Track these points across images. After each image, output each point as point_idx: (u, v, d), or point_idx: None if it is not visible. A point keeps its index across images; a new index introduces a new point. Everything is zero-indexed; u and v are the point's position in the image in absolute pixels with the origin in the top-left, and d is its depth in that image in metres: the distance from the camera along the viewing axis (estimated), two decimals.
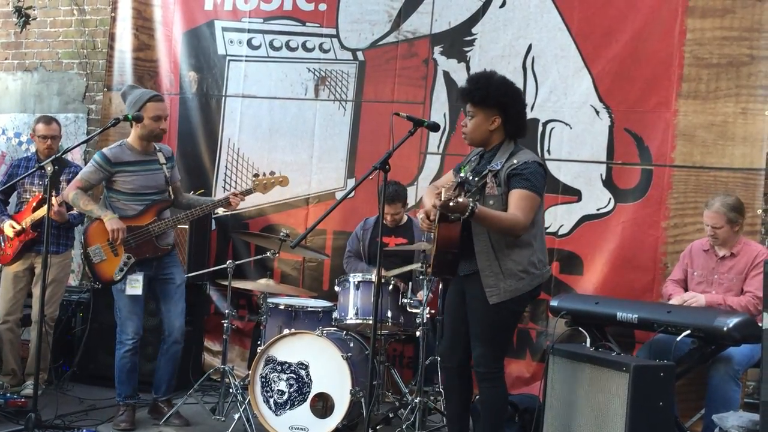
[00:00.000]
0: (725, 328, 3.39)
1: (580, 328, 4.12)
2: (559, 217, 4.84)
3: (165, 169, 4.25)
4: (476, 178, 3.25)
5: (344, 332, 4.29)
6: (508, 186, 3.22)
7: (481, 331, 3.32)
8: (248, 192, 4.33)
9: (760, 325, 3.11)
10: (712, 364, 3.78)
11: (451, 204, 2.92)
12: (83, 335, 4.97)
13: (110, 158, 4.12)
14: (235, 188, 5.56)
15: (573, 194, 4.86)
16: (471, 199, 3.02)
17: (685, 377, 3.83)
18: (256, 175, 4.36)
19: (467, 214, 2.97)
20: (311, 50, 5.52)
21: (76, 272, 6.12)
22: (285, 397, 4.00)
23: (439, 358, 3.97)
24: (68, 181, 4.65)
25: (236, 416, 4.09)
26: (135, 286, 4.11)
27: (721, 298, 3.96)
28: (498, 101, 3.29)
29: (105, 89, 6.01)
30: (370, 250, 4.84)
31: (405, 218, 4.91)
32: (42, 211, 4.48)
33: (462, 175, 3.32)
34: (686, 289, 4.21)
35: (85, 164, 6.10)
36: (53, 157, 3.98)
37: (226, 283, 4.46)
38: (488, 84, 3.31)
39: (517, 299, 3.28)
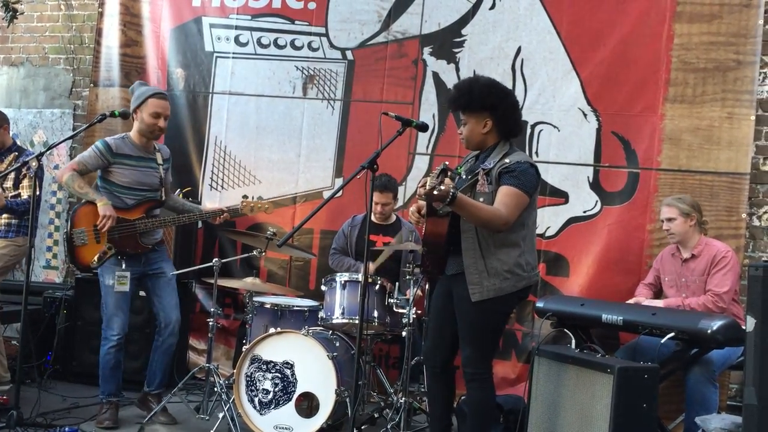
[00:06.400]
0: (709, 331, 3.41)
1: (565, 330, 4.15)
2: (546, 219, 4.87)
3: (161, 170, 4.27)
4: (469, 176, 3.25)
5: (330, 332, 4.28)
6: (498, 184, 3.22)
7: (467, 331, 3.32)
8: (235, 212, 4.38)
9: (743, 328, 3.13)
10: (689, 366, 3.80)
11: (435, 192, 2.89)
12: (66, 332, 4.92)
13: (112, 147, 4.14)
14: (222, 185, 5.57)
15: (560, 196, 4.89)
16: (452, 185, 3.00)
17: (668, 380, 3.85)
18: (245, 197, 4.41)
19: (448, 200, 2.95)
20: (300, 48, 5.51)
21: (60, 269, 6.08)
22: (270, 396, 3.99)
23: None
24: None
25: (220, 415, 4.06)
26: (123, 282, 4.10)
27: (679, 300, 4.01)
28: (484, 104, 3.30)
29: (92, 85, 5.97)
30: (357, 248, 4.83)
31: (393, 217, 4.92)
32: None
33: (458, 172, 3.33)
34: (661, 293, 4.28)
35: (71, 159, 6.11)
36: (40, 152, 3.96)
37: (212, 281, 4.42)
38: (472, 89, 3.32)
39: (502, 299, 3.26)
